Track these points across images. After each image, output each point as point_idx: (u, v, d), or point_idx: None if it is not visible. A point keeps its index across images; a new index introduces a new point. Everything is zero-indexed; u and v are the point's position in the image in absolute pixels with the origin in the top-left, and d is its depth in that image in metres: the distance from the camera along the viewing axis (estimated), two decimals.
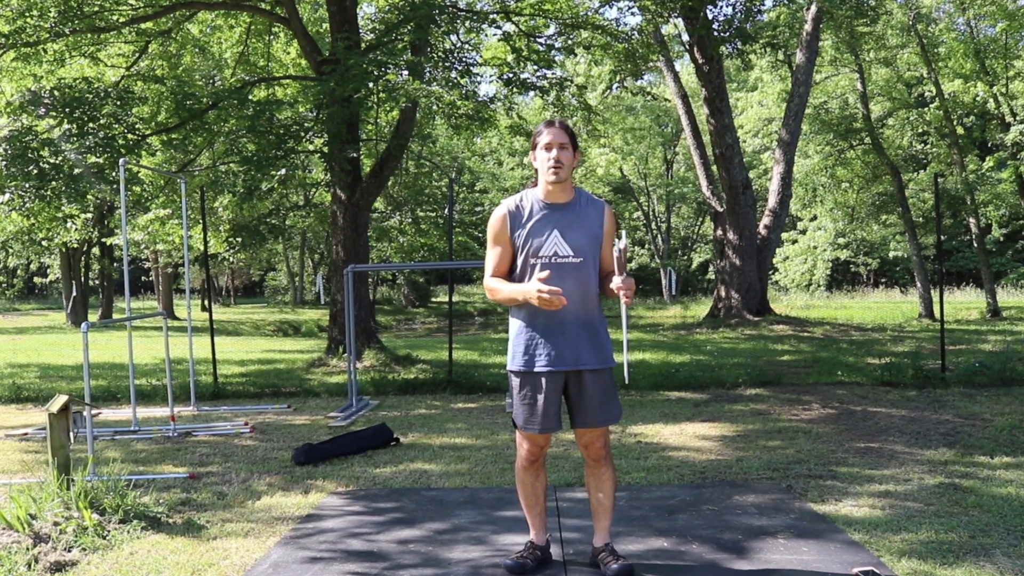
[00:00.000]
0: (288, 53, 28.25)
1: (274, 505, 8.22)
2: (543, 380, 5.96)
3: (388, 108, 23.10)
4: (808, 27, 31.35)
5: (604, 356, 6.00)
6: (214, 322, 19.53)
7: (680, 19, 30.36)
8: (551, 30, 24.55)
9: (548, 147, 5.88)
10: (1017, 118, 36.07)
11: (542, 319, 5.93)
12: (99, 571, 6.40)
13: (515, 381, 6.08)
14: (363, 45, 20.43)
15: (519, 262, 5.99)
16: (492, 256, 6.07)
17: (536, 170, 6.04)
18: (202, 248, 18.45)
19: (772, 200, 32.58)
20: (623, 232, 5.95)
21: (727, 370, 17.64)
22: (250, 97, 21.22)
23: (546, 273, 5.71)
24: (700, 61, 30.89)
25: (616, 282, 5.72)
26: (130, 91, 21.06)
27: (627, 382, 5.49)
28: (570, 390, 6.03)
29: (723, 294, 32.26)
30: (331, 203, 22.85)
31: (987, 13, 35.59)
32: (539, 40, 23.54)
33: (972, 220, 38.59)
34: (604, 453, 6.13)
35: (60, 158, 18.60)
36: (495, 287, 6.03)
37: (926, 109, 39.73)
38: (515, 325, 6.10)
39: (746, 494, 8.13)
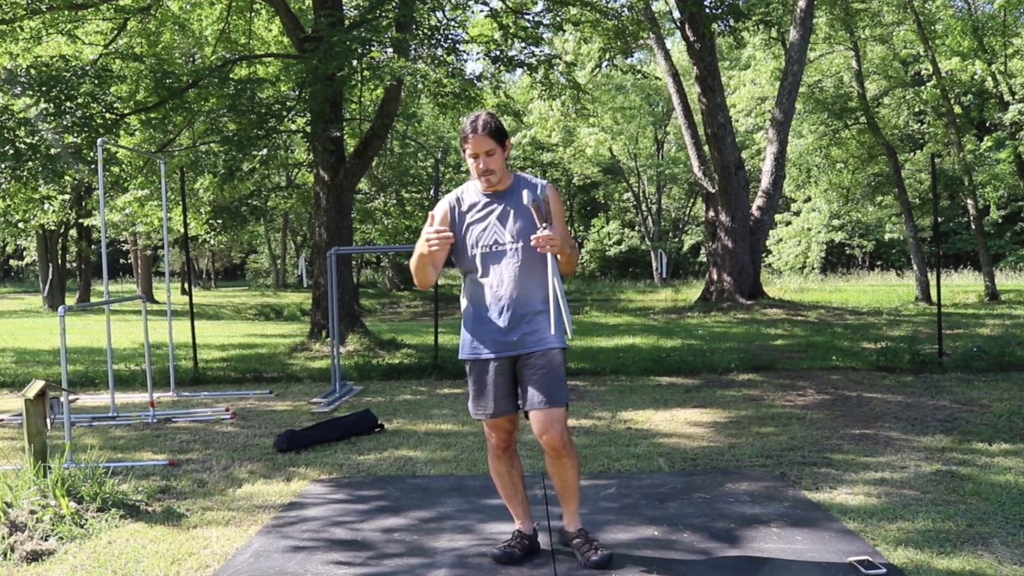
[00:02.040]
0: (270, 30, 28.21)
1: (255, 493, 8.21)
2: (490, 366, 6.12)
3: (372, 87, 23.04)
4: (802, 3, 31.34)
5: (549, 337, 6.04)
6: (194, 306, 19.49)
7: None
8: (539, 6, 24.59)
9: (475, 156, 5.97)
10: (1016, 97, 36.10)
11: (484, 306, 6.10)
12: (76, 560, 6.39)
13: (468, 369, 6.25)
14: (347, 22, 20.39)
15: (465, 254, 6.10)
16: (420, 241, 6.05)
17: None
18: (182, 230, 18.39)
19: (765, 181, 32.60)
20: (544, 181, 6.00)
21: (719, 355, 17.66)
22: (231, 76, 21.14)
23: (430, 222, 5.99)
24: (692, 39, 30.92)
25: (536, 234, 5.75)
26: (108, 69, 21.01)
27: (567, 338, 5.45)
28: (519, 375, 6.14)
29: (715, 277, 32.30)
30: (314, 184, 22.84)
31: None
32: (527, 17, 23.52)
33: (970, 201, 38.68)
34: (562, 443, 6.06)
35: (37, 138, 18.55)
36: (412, 264, 6.13)
37: (923, 88, 39.75)
38: (463, 314, 6.29)
39: (738, 482, 8.14)
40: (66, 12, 20.96)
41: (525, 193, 5.86)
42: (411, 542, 6.69)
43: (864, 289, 49.76)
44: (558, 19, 23.60)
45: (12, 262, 76.68)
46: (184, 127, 24.02)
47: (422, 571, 6.06)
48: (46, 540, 6.73)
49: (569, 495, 6.30)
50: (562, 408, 6.06)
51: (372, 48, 18.82)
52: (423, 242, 5.85)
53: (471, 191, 6.16)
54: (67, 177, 20.23)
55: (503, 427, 6.23)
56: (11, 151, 18.14)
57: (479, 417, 6.21)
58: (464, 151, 6.04)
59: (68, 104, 18.89)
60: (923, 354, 16.03)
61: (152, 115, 21.42)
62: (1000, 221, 50.25)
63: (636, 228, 73.64)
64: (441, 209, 6.16)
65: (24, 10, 19.53)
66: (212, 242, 36.83)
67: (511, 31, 22.11)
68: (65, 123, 18.69)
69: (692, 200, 71.36)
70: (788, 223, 53.89)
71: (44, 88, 18.72)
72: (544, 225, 5.77)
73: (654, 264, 66.47)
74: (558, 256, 5.89)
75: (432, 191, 39.57)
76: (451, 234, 5.92)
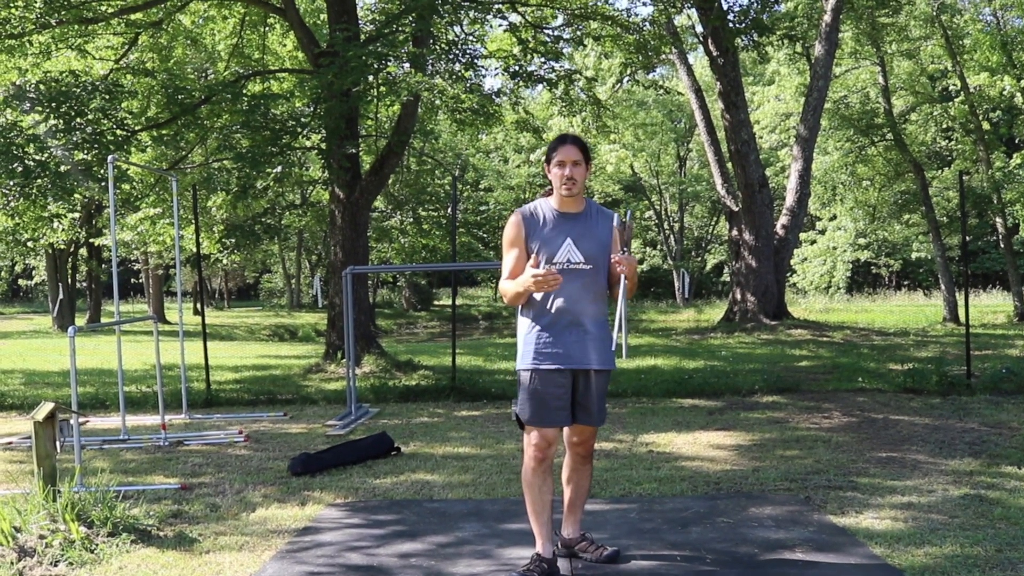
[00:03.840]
0: (284, 45, 28.27)
1: (269, 517, 8.21)
2: (554, 377, 6.32)
3: (389, 102, 23.02)
4: (827, 18, 31.29)
5: (609, 358, 6.47)
6: (207, 326, 19.50)
7: (694, 9, 30.34)
8: (559, 21, 24.60)
9: (562, 164, 6.33)
10: None
11: (552, 318, 6.37)
12: None
13: (524, 377, 6.41)
14: (362, 36, 20.41)
15: (536, 266, 6.23)
16: (508, 260, 6.49)
17: (551, 181, 6.50)
18: (194, 249, 18.42)
19: (790, 199, 32.53)
20: (629, 211, 6.37)
21: (743, 376, 17.63)
22: (244, 91, 21.16)
23: (533, 262, 6.22)
24: (715, 53, 30.88)
25: (616, 255, 6.17)
26: (119, 85, 21.02)
27: (623, 355, 6.07)
28: (577, 388, 6.42)
29: (738, 297, 32.24)
30: (329, 202, 22.88)
31: (1014, 3, 35.58)
32: (546, 31, 23.56)
33: (999, 220, 38.54)
34: (590, 451, 6.79)
35: (46, 155, 18.58)
36: (505, 287, 6.47)
37: (950, 104, 39.73)
38: (524, 324, 6.50)
39: (762, 506, 8.13)
40: (76, 27, 21.03)
41: (616, 216, 6.39)
42: (428, 568, 6.68)
43: (891, 309, 49.69)
44: (578, 33, 23.65)
45: (21, 282, 76.72)
46: (196, 144, 24.12)
47: None
48: (56, 566, 6.75)
49: (581, 502, 6.84)
50: (600, 425, 6.68)
51: (388, 63, 18.84)
52: (528, 280, 6.13)
53: (544, 207, 6.50)
54: (77, 195, 20.27)
55: (549, 437, 6.41)
56: (20, 168, 18.16)
57: (534, 425, 6.38)
58: (551, 161, 6.40)
59: (78, 120, 18.91)
60: (951, 376, 15.99)
61: (164, 131, 21.48)
62: None
63: (658, 247, 73.63)
64: (515, 222, 6.48)
65: (33, 24, 19.58)
66: (225, 261, 36.91)
67: (530, 46, 22.13)
68: (75, 140, 18.72)
69: (715, 218, 71.33)
70: (813, 242, 53.75)
71: (54, 104, 18.74)
72: (624, 249, 6.24)
73: (676, 284, 66.44)
74: (626, 280, 6.20)
75: (449, 209, 39.57)
76: (560, 277, 6.12)
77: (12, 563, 6.63)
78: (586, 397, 6.40)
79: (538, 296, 6.37)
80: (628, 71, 31.74)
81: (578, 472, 6.76)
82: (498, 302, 67.10)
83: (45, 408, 7.83)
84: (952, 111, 39.20)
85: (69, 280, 46.62)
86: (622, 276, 6.18)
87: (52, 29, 20.42)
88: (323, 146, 20.69)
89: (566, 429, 6.57)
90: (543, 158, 6.77)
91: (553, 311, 6.33)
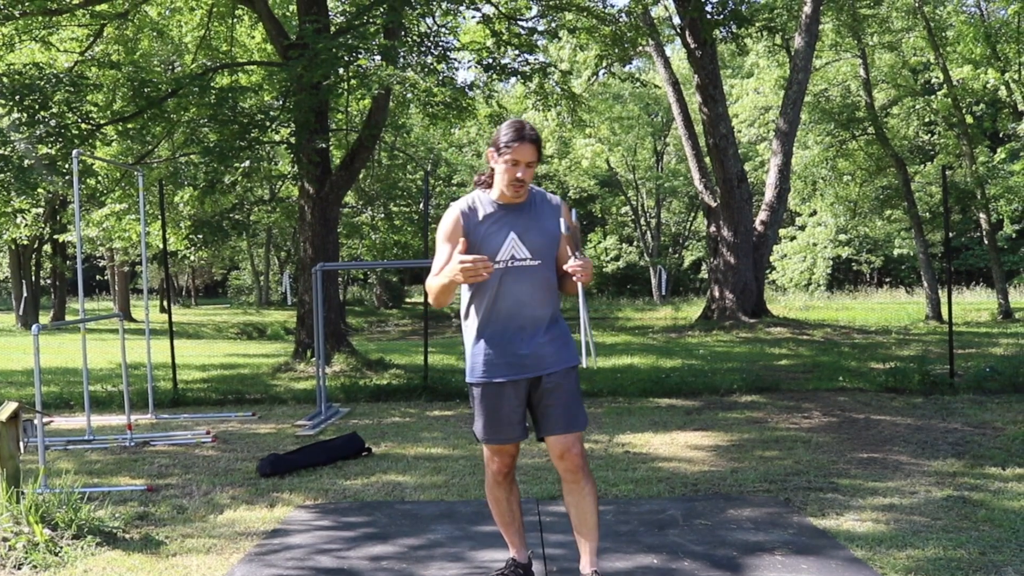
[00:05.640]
0: (253, 37, 28.26)
1: (238, 519, 8.21)
2: (506, 389, 5.95)
3: (359, 96, 23.07)
4: (807, 9, 31.32)
5: (567, 355, 5.99)
6: (173, 324, 19.47)
7: (671, 0, 30.41)
8: (533, 12, 24.64)
9: (515, 164, 5.79)
10: None
11: (497, 324, 5.96)
12: None
13: (476, 392, 6.05)
14: (333, 28, 20.43)
15: None
16: (440, 256, 5.94)
17: (490, 168, 6.00)
18: (161, 245, 18.42)
19: (769, 194, 32.58)
20: (573, 209, 5.98)
21: (721, 376, 17.66)
22: (212, 84, 21.08)
23: (461, 246, 5.70)
24: (692, 45, 30.90)
25: (571, 263, 5.66)
26: (84, 77, 20.98)
27: (590, 365, 5.43)
28: (533, 398, 6.01)
29: (717, 294, 32.28)
30: (298, 197, 22.86)
31: None
32: (520, 23, 23.58)
33: (982, 215, 38.70)
34: (581, 463, 5.97)
35: (9, 148, 18.55)
36: (431, 284, 5.90)
37: (933, 97, 39.86)
38: (470, 334, 6.12)
39: (741, 508, 8.16)
40: (40, 18, 20.99)
41: (562, 221, 5.89)
42: (400, 571, 6.69)
43: (872, 307, 49.88)
44: (553, 25, 23.69)
45: None
46: (163, 138, 24.06)
47: None
48: (19, 569, 6.73)
49: (587, 529, 6.04)
50: (581, 431, 6.02)
51: (359, 56, 18.80)
52: (454, 268, 5.53)
53: (483, 200, 6.00)
54: (41, 190, 20.21)
55: (510, 453, 6.13)
56: None
57: (490, 443, 6.07)
58: (498, 153, 5.83)
59: (42, 113, 18.85)
60: (934, 375, 16.06)
61: (130, 125, 21.45)
62: (1014, 236, 50.02)
63: (635, 243, 73.70)
64: (452, 217, 5.96)
65: None
66: (192, 258, 36.79)
67: (504, 38, 22.15)
68: (39, 133, 18.67)
69: (693, 214, 71.47)
70: (793, 238, 53.86)
71: (17, 97, 18.67)
72: (577, 253, 5.71)
73: (653, 281, 66.56)
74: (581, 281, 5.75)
75: (422, 205, 39.56)
76: (491, 264, 5.61)
77: None
78: (547, 405, 5.95)
79: (480, 300, 5.98)
80: (604, 64, 31.81)
81: (572, 494, 6.04)
82: None
83: (8, 408, 7.80)
84: (935, 104, 39.32)
85: (33, 277, 46.47)
86: (580, 282, 5.72)
87: (15, 20, 20.36)
88: (292, 140, 20.67)
89: (546, 442, 6.08)
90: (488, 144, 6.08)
91: (499, 316, 5.93)
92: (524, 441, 6.14)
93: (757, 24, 29.18)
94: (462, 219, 5.93)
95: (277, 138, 21.60)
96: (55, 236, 40.38)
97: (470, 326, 6.10)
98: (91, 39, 23.93)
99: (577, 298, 5.93)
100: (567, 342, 6.03)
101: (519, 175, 5.79)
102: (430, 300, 6.03)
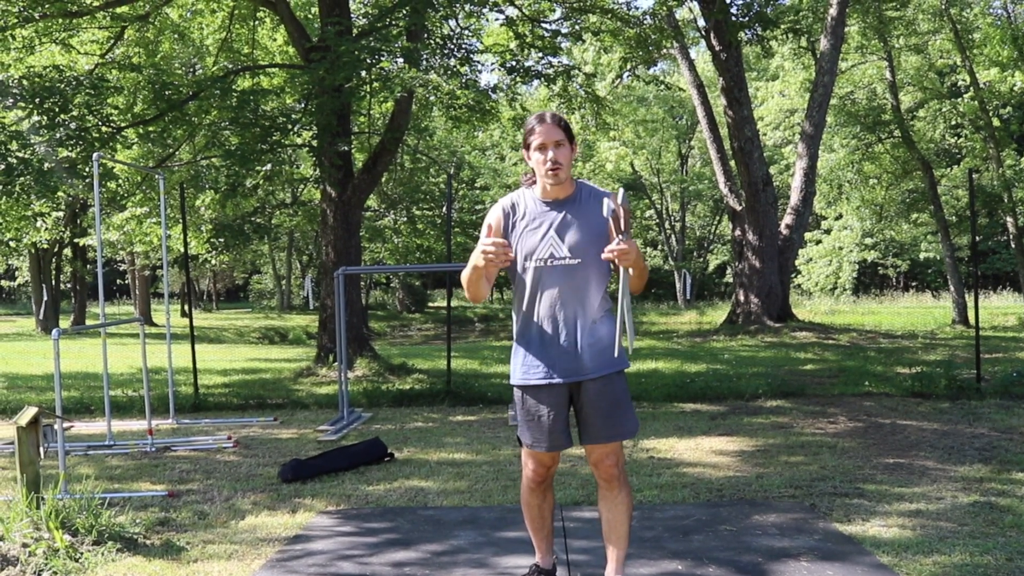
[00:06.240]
0: (274, 40, 28.27)
1: (259, 525, 8.21)
2: (543, 394, 5.81)
3: (382, 98, 23.09)
4: (833, 11, 31.25)
5: (608, 360, 5.76)
6: (195, 329, 19.48)
7: (696, 2, 30.40)
8: (557, 14, 24.60)
9: (543, 148, 5.69)
10: None
11: (538, 326, 5.79)
12: None
13: (516, 394, 5.96)
14: (355, 31, 20.44)
15: (517, 267, 5.82)
16: (476, 250, 5.70)
17: (533, 169, 5.87)
18: (182, 249, 18.41)
19: (794, 198, 32.51)
20: (622, 191, 5.62)
21: (746, 380, 17.62)
22: (233, 87, 21.15)
23: (488, 232, 5.60)
24: (717, 48, 30.85)
25: (609, 247, 5.42)
26: (104, 80, 20.97)
27: (625, 345, 5.21)
28: (576, 404, 5.85)
29: (742, 299, 32.23)
30: (320, 201, 22.83)
31: None
32: (544, 25, 23.56)
33: (1009, 219, 38.50)
34: (616, 473, 5.88)
35: (29, 152, 18.55)
36: (463, 275, 5.77)
37: (960, 100, 39.68)
38: (516, 335, 6.00)
39: (766, 513, 8.13)
40: (60, 20, 21.01)
41: (605, 202, 5.49)
42: None
43: (898, 311, 49.74)
44: (577, 27, 23.62)
45: (4, 283, 76.45)
46: (184, 141, 24.06)
47: None
48: (39, 575, 6.73)
49: (616, 537, 5.99)
50: (620, 441, 5.90)
51: (382, 58, 18.81)
52: (479, 254, 5.45)
53: (527, 197, 5.88)
54: (61, 193, 20.26)
55: (546, 462, 6.02)
56: (2, 165, 18.11)
57: (534, 449, 5.90)
58: (528, 146, 5.77)
59: (62, 116, 18.85)
60: (960, 379, 15.97)
61: (151, 128, 21.45)
62: None
63: (659, 247, 73.70)
64: (495, 215, 5.84)
65: (16, 18, 19.56)
66: (214, 262, 37.03)
67: (528, 40, 22.14)
68: (59, 136, 18.68)
69: (718, 218, 71.43)
70: (818, 242, 53.71)
71: (37, 99, 18.68)
72: (620, 237, 5.38)
73: (678, 285, 66.51)
74: (630, 271, 5.52)
75: (444, 208, 39.54)
76: (509, 245, 5.54)
77: None
78: (586, 411, 5.79)
79: (520, 301, 5.85)
80: (628, 66, 31.73)
81: (605, 500, 5.97)
82: (494, 303, 67.06)
83: (28, 413, 7.81)
84: (961, 107, 39.17)
85: (53, 281, 46.65)
86: (622, 268, 5.41)
87: (36, 23, 20.39)
88: (314, 143, 20.67)
89: (584, 447, 5.94)
90: (521, 144, 5.99)
91: (539, 317, 5.76)
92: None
93: (782, 26, 29.11)
94: (503, 217, 5.84)
95: (299, 141, 21.61)
96: (75, 240, 40.53)
97: (516, 328, 6.03)
98: (112, 41, 23.95)
99: (631, 293, 5.64)
100: (608, 345, 5.76)
101: (551, 155, 5.65)
102: (465, 294, 5.88)
